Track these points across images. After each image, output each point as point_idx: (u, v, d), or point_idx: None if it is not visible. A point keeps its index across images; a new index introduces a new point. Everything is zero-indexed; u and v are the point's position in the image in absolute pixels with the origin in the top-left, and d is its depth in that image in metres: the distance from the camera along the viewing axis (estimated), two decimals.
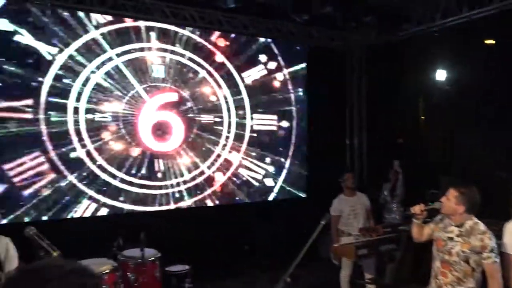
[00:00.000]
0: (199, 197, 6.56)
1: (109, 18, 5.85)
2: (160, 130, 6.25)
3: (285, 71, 7.42)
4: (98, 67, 5.79)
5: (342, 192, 5.18)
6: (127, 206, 5.99)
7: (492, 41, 8.61)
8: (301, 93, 7.58)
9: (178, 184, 6.38)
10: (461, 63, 8.65)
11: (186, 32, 6.46)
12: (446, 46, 7.95)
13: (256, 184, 7.10)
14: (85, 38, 5.70)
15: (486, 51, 8.41)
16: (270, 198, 7.23)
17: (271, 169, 7.26)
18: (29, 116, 5.38)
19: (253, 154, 7.09)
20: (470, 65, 8.38)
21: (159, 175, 6.23)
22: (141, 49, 6.11)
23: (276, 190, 7.29)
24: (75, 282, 1.07)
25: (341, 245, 4.60)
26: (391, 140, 8.47)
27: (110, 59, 5.87)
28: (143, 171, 6.11)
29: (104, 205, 5.84)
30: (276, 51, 7.32)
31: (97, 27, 5.78)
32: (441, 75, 9.30)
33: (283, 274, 2.71)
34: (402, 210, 5.95)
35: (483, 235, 3.04)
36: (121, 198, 5.95)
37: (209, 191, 6.64)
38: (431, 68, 9.10)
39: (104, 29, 5.84)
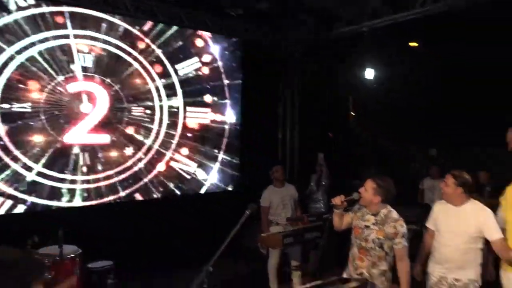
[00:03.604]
0: (128, 191, 6.34)
1: (31, 1, 5.45)
2: (87, 122, 5.96)
3: (219, 64, 7.41)
4: (18, 52, 5.37)
5: (272, 184, 5.32)
6: (47, 202, 5.64)
7: (415, 44, 9.25)
8: (234, 87, 7.61)
9: (105, 178, 6.13)
10: (387, 63, 9.21)
11: (118, 21, 6.20)
12: (374, 46, 8.40)
13: (188, 177, 7.03)
14: (1, 22, 5.27)
15: (410, 53, 9.02)
16: (202, 191, 7.20)
17: (204, 162, 7.23)
18: None
19: (186, 147, 7.00)
20: (395, 65, 8.96)
21: (84, 169, 5.94)
22: (66, 36, 5.77)
23: (208, 183, 7.27)
24: None
25: (268, 235, 4.71)
26: (322, 135, 8.81)
27: (32, 44, 5.48)
28: (67, 165, 5.79)
29: (22, 201, 5.45)
30: (211, 44, 7.27)
31: (16, 10, 5.36)
32: (369, 74, 9.82)
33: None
34: (327, 200, 6.23)
35: (395, 223, 3.27)
36: (41, 194, 5.59)
37: (138, 184, 6.46)
38: (362, 66, 9.59)
39: (24, 13, 5.43)
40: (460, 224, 3.31)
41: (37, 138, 5.56)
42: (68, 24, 5.76)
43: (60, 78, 5.72)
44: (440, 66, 8.21)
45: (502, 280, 3.34)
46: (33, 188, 5.52)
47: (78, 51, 5.87)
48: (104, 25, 6.09)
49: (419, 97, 8.72)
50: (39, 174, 5.57)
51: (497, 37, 6.83)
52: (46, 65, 5.60)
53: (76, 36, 5.84)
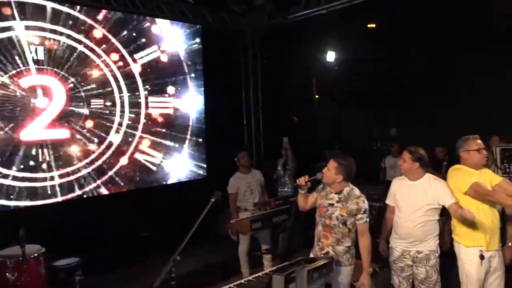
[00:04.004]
0: (92, 186, 6.18)
1: None
2: (43, 117, 5.74)
3: (180, 51, 7.28)
4: None
5: (238, 170, 5.33)
6: (7, 202, 5.41)
7: (373, 25, 9.41)
8: (196, 75, 7.52)
9: (68, 174, 5.95)
10: (347, 45, 9.35)
11: (71, 10, 5.94)
12: (334, 29, 8.49)
13: (154, 168, 6.93)
14: None
15: (368, 34, 9.18)
16: (169, 181, 7.13)
17: (169, 152, 7.14)
18: None
19: (150, 138, 6.89)
20: (355, 47, 9.10)
21: (44, 166, 5.73)
22: (14, 28, 5.48)
23: (174, 173, 7.20)
24: None
25: (236, 221, 4.75)
26: (286, 119, 8.90)
27: None
28: (25, 163, 5.56)
29: None
30: (170, 32, 7.12)
31: None
32: (330, 56, 9.94)
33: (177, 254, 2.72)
34: (294, 183, 6.32)
35: (358, 199, 3.37)
36: None
37: (103, 178, 6.31)
38: (323, 49, 9.69)
39: None
40: (418, 198, 3.45)
41: None
42: (16, 15, 5.48)
43: (11, 72, 5.46)
44: (399, 47, 8.40)
45: (455, 249, 3.53)
46: None
47: (29, 43, 5.60)
48: (55, 15, 5.82)
49: (379, 78, 8.93)
50: None
51: (456, 17, 7.03)
52: None
53: (25, 28, 5.57)
